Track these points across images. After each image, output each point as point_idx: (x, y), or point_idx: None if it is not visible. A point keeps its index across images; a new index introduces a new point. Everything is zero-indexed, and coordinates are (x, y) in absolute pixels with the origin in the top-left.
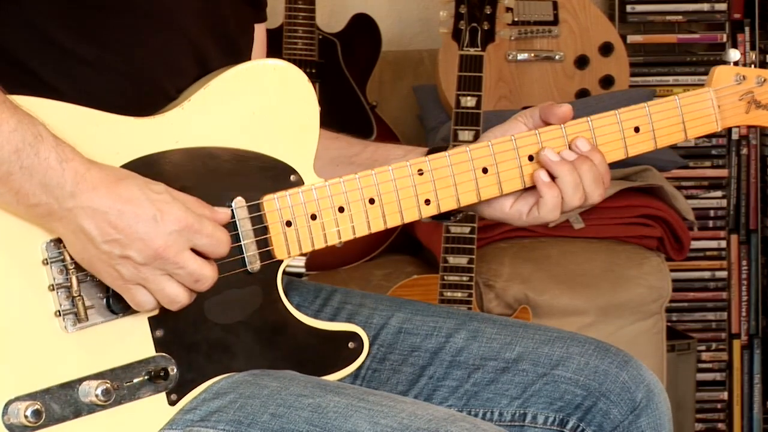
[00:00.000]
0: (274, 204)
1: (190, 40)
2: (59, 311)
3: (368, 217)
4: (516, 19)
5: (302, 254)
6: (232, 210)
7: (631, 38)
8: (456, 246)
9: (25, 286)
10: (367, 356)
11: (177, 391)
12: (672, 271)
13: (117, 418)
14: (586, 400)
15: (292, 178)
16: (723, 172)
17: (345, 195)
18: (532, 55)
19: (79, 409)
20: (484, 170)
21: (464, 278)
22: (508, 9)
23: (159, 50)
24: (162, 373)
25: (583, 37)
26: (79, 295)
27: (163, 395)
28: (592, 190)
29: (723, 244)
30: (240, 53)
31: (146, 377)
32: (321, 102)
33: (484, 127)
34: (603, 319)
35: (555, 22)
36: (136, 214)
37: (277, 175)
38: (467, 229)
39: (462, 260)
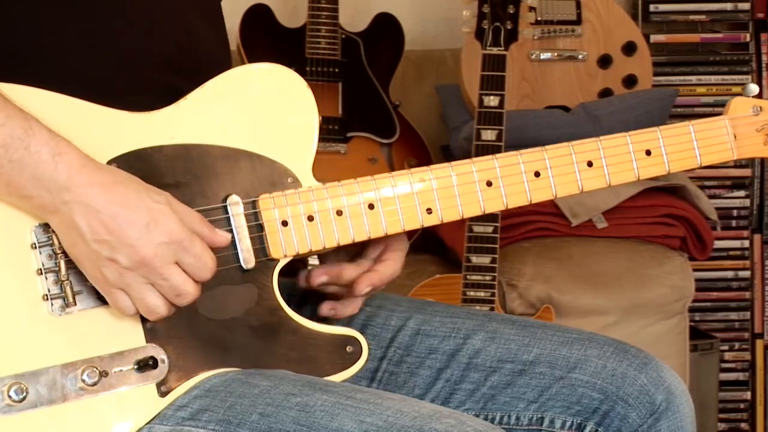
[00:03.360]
0: (270, 203)
1: (177, 12)
2: (47, 295)
3: (367, 222)
4: (539, 19)
5: (297, 255)
6: (226, 207)
7: (654, 38)
8: (479, 245)
9: (13, 269)
10: (367, 360)
11: (167, 383)
12: (695, 270)
13: (105, 405)
14: (604, 404)
15: (289, 180)
16: (746, 172)
17: (343, 199)
18: (555, 54)
19: (66, 394)
20: (489, 183)
21: (487, 277)
22: (531, 8)
23: (141, 20)
24: (151, 362)
25: (606, 37)
26: (68, 280)
27: (152, 386)
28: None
29: (746, 243)
30: (222, 27)
31: (135, 366)
32: (344, 101)
33: (508, 126)
34: (626, 318)
35: (578, 21)
36: (130, 219)
37: (273, 176)
38: (490, 229)
39: (485, 259)
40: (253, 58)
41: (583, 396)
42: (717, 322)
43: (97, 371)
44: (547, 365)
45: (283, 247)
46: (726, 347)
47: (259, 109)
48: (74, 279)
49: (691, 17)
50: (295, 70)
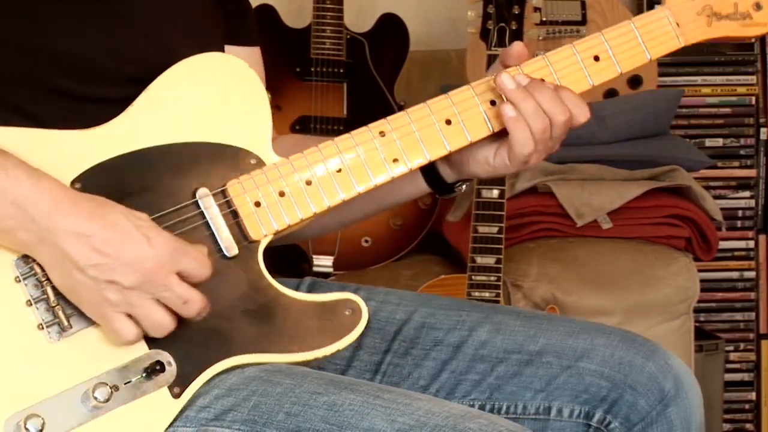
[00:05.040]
0: (240, 188)
1: (153, 32)
2: (42, 324)
3: (338, 185)
4: (544, 19)
5: (277, 232)
6: (197, 202)
7: None
8: (484, 246)
9: (4, 305)
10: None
11: (179, 384)
12: (700, 271)
13: (123, 419)
14: (612, 392)
15: (252, 161)
16: (751, 173)
17: (310, 168)
18: None
19: (82, 416)
20: (448, 122)
21: (492, 278)
22: (536, 9)
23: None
24: (158, 367)
25: None
26: (58, 305)
27: (165, 390)
28: (553, 110)
29: (751, 244)
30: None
31: (144, 375)
32: (349, 102)
33: None
34: (631, 319)
35: (583, 21)
36: (122, 238)
37: (236, 161)
38: (495, 229)
39: (490, 260)
40: None
41: (591, 384)
42: (722, 323)
43: (108, 387)
44: (554, 355)
45: (261, 228)
46: (731, 348)
47: (206, 99)
48: (63, 303)
49: None
50: (301, 71)
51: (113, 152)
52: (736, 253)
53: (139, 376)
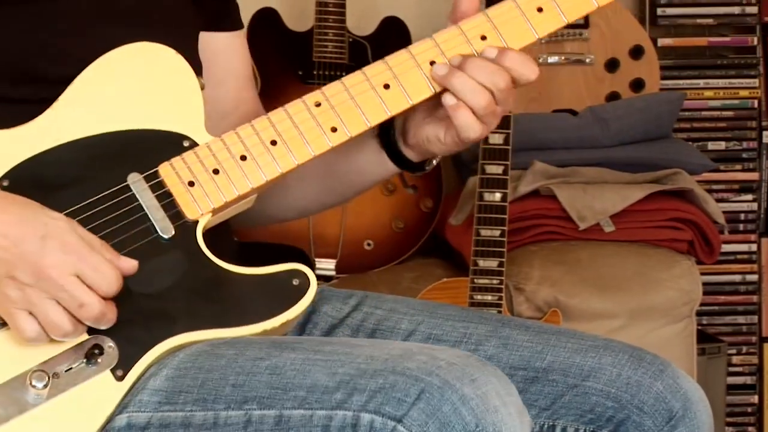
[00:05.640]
0: (170, 169)
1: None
2: None
3: (274, 158)
4: None
5: (214, 210)
6: (128, 185)
7: (662, 41)
8: (486, 249)
9: None
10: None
11: (122, 366)
12: (702, 274)
13: (66, 405)
14: (619, 412)
15: (185, 143)
16: (754, 176)
17: (243, 143)
18: (563, 58)
19: (23, 405)
20: (386, 86)
21: (494, 281)
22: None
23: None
24: (97, 351)
25: (614, 40)
26: None
27: (108, 373)
28: (492, 80)
29: (753, 247)
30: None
31: (84, 360)
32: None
33: (515, 130)
34: (633, 322)
35: (585, 25)
36: (25, 233)
37: (169, 145)
38: (497, 232)
39: (492, 263)
40: (260, 61)
41: (597, 404)
42: (724, 326)
43: (46, 374)
44: (561, 373)
45: (197, 206)
46: (733, 351)
47: (133, 88)
48: None
49: (699, 21)
50: (303, 74)
51: (41, 147)
52: (738, 256)
53: (80, 363)
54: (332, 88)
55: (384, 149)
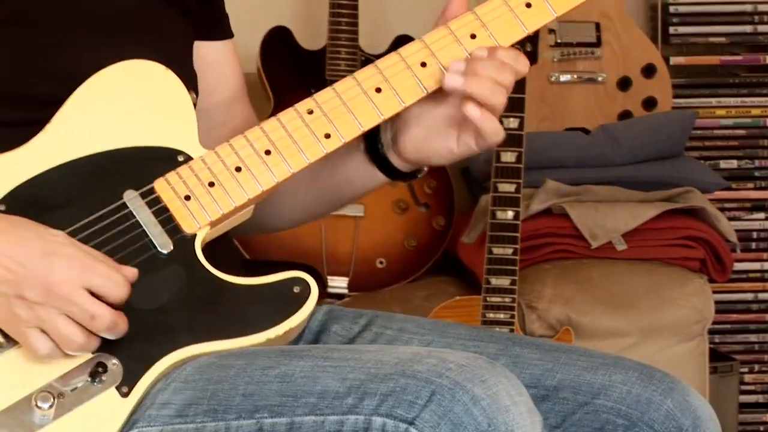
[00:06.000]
0: (165, 184)
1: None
2: None
3: (269, 167)
4: (558, 41)
5: (212, 223)
6: (125, 203)
7: (674, 60)
8: (498, 267)
9: None
10: (319, 298)
11: (127, 383)
12: (714, 292)
13: (73, 424)
14: (629, 429)
15: (180, 158)
16: (765, 194)
17: (237, 155)
18: (575, 76)
19: (30, 427)
20: (378, 90)
21: (507, 299)
22: (551, 31)
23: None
24: (101, 369)
25: (626, 59)
26: None
27: (113, 390)
28: (503, 77)
29: (766, 265)
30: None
31: (89, 379)
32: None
33: (527, 148)
34: (645, 340)
35: (598, 43)
36: (29, 252)
37: (163, 160)
38: (510, 251)
39: (504, 281)
40: (273, 80)
41: (608, 422)
42: (736, 344)
43: (51, 395)
44: (571, 391)
45: (194, 219)
46: (745, 369)
47: (124, 106)
48: None
49: (711, 40)
50: (316, 92)
51: (36, 170)
52: (750, 275)
53: (85, 381)
54: (324, 95)
55: (374, 163)
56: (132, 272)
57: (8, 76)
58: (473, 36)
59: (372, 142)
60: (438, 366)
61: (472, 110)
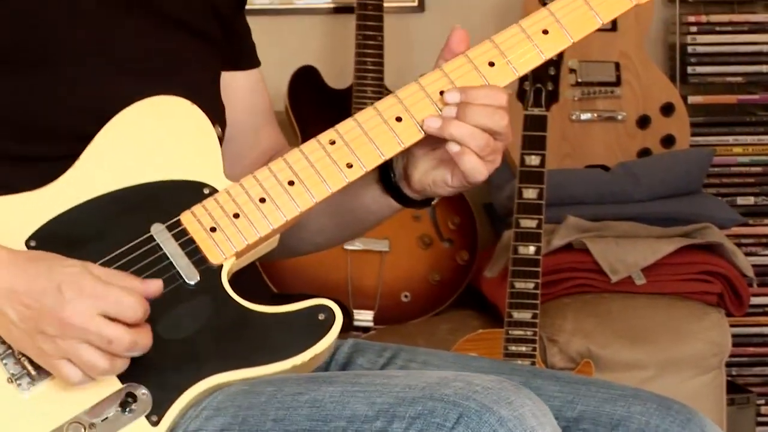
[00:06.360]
0: (191, 217)
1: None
2: (11, 377)
3: (292, 197)
4: (579, 80)
5: (237, 254)
6: (152, 236)
7: (692, 99)
8: (520, 301)
9: None
10: (344, 324)
11: (156, 412)
12: (732, 326)
13: None
14: None
15: (206, 191)
16: None
17: (261, 186)
18: (595, 115)
19: None
20: (398, 119)
21: (528, 333)
22: (572, 70)
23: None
24: (130, 399)
25: (645, 98)
26: (24, 356)
27: (143, 420)
28: (494, 122)
29: None
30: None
31: (119, 409)
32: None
33: (549, 185)
34: (663, 373)
35: (617, 82)
36: (43, 288)
37: (189, 193)
38: (531, 285)
39: (526, 315)
40: (300, 118)
41: None
42: (753, 377)
43: (82, 425)
44: (591, 422)
45: (219, 250)
46: (762, 401)
47: (151, 141)
48: None
49: (728, 79)
50: None
51: (66, 206)
52: (767, 309)
53: (115, 411)
54: (345, 125)
55: (388, 192)
56: (156, 285)
57: (38, 112)
58: (491, 64)
59: (385, 172)
60: (465, 389)
61: (451, 146)
